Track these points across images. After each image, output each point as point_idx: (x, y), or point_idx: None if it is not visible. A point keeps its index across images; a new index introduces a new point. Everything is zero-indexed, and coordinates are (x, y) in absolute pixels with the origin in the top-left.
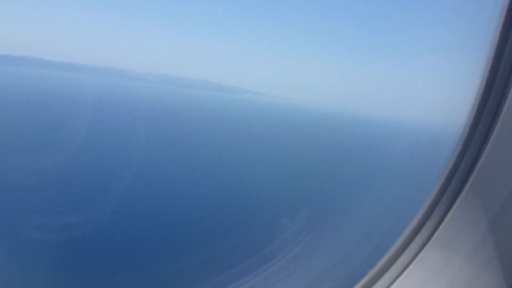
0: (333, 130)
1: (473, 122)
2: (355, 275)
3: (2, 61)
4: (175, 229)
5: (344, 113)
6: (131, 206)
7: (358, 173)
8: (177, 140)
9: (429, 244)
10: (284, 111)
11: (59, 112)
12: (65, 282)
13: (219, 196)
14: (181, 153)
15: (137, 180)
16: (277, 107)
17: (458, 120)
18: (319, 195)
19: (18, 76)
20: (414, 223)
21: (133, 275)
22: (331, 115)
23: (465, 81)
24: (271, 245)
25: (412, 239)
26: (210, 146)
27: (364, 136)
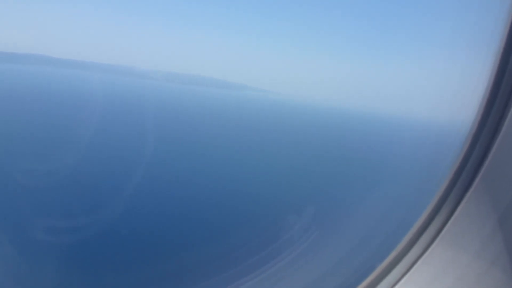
0: (340, 128)
1: (482, 119)
2: (363, 271)
3: (7, 59)
4: (181, 227)
5: (351, 110)
6: (137, 205)
7: (365, 169)
8: (183, 137)
9: (437, 241)
10: (289, 108)
11: (63, 110)
12: (73, 282)
13: (224, 194)
14: (186, 151)
15: (143, 179)
16: (283, 104)
17: (467, 117)
18: (326, 192)
19: (22, 73)
20: (422, 219)
21: (143, 274)
22: (338, 112)
23: (474, 78)
24: (276, 242)
25: (420, 236)
26: (216, 144)
27: (371, 133)
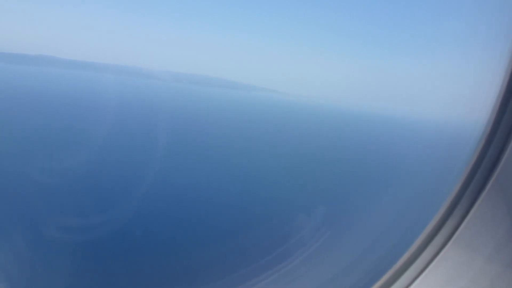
0: (352, 128)
1: (496, 120)
2: (376, 273)
3: (17, 60)
4: (191, 228)
5: (363, 111)
6: (146, 205)
7: (379, 170)
8: (191, 138)
9: (450, 243)
10: (298, 108)
11: (71, 111)
12: (82, 282)
13: (233, 195)
14: (195, 152)
15: (152, 179)
16: (291, 104)
17: (481, 118)
18: (338, 193)
19: (32, 75)
20: (435, 221)
21: (156, 274)
22: (349, 113)
23: (488, 78)
24: (290, 242)
25: (433, 238)
26: (224, 145)
27: (384, 134)
